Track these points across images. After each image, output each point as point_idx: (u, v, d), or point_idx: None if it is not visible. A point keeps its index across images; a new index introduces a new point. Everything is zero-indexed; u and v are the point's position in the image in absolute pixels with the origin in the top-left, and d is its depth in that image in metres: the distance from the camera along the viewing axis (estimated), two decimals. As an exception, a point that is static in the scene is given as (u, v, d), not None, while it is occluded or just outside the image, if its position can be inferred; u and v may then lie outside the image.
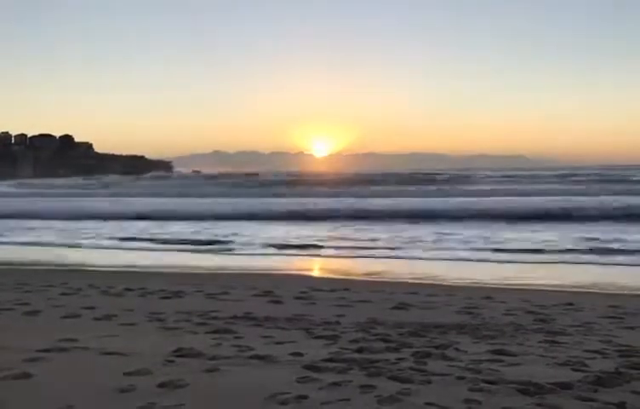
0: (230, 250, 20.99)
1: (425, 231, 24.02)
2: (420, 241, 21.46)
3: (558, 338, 7.95)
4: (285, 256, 19.53)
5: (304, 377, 5.81)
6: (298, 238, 22.97)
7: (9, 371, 5.88)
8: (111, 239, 23.92)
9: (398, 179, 76.16)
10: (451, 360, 6.65)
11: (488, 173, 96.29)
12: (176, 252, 20.71)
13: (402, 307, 10.39)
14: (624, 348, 7.40)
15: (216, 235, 24.21)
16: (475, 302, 10.91)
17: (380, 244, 21.35)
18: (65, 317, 9.21)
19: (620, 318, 9.52)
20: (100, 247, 22.02)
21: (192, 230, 26.13)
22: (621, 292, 12.65)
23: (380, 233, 23.94)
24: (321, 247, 21.11)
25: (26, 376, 5.81)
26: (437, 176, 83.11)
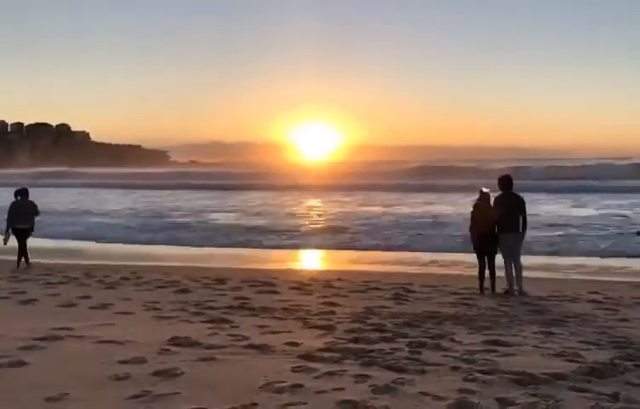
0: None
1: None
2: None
3: (553, 329, 7.97)
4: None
5: (299, 367, 5.82)
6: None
7: (4, 358, 5.88)
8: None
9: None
10: (446, 350, 6.66)
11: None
12: None
13: (397, 297, 10.40)
14: (619, 339, 7.42)
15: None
16: (471, 292, 10.92)
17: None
18: (61, 306, 9.20)
19: (615, 309, 9.55)
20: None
21: None
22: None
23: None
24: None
25: (21, 363, 5.81)
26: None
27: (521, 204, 10.94)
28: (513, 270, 10.89)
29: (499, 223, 10.88)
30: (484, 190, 11.28)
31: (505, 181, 11.02)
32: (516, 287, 10.84)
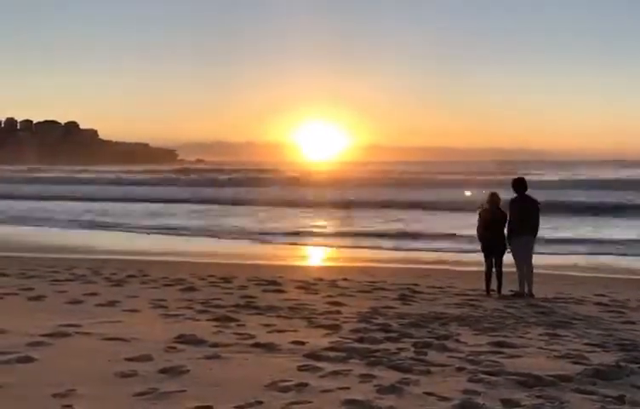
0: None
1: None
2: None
3: (559, 331, 7.96)
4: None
5: (305, 366, 5.84)
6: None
7: (12, 354, 5.92)
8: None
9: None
10: (451, 351, 6.66)
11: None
12: None
13: (403, 297, 10.40)
14: (625, 342, 7.41)
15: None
16: (477, 294, 10.91)
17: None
18: (69, 303, 9.24)
19: (621, 312, 9.52)
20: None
21: None
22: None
23: None
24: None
25: (29, 360, 5.84)
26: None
27: (535, 207, 10.83)
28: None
29: (513, 225, 10.73)
30: (486, 191, 11.26)
31: (520, 184, 10.87)
32: (525, 290, 10.80)
